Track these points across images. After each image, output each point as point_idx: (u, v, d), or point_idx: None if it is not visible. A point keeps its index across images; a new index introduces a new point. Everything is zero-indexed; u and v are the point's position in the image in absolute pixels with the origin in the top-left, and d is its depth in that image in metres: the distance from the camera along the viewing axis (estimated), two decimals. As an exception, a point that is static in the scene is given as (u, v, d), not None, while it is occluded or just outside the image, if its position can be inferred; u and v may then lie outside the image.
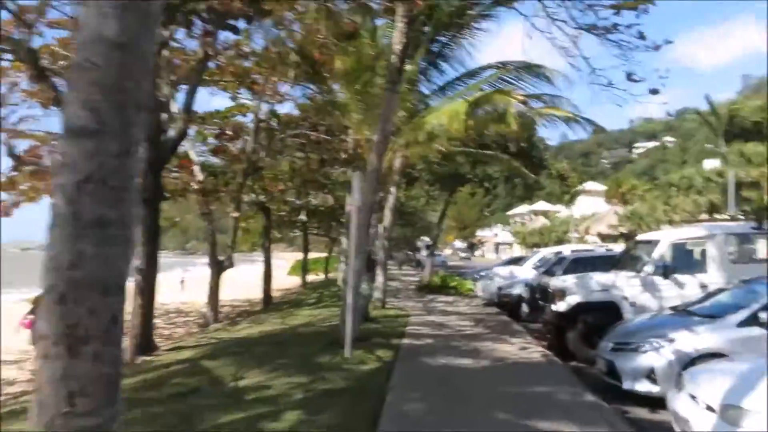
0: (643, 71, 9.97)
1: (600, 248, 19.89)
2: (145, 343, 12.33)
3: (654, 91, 10.14)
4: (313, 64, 14.79)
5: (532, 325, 13.75)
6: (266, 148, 19.12)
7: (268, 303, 24.88)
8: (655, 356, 7.31)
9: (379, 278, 17.45)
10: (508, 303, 16.53)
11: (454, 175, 24.19)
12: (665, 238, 10.47)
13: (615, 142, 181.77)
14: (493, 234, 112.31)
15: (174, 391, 8.08)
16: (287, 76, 16.35)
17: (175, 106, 13.53)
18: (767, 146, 40.36)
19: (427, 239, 46.81)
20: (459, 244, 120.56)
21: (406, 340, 11.75)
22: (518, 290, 16.25)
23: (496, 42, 16.58)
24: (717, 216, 43.47)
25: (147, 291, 12.19)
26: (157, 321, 20.08)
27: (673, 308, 8.75)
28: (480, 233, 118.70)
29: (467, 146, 16.97)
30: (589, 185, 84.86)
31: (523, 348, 10.79)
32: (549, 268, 17.51)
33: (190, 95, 11.70)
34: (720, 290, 8.82)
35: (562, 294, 10.45)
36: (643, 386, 7.36)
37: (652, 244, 11.03)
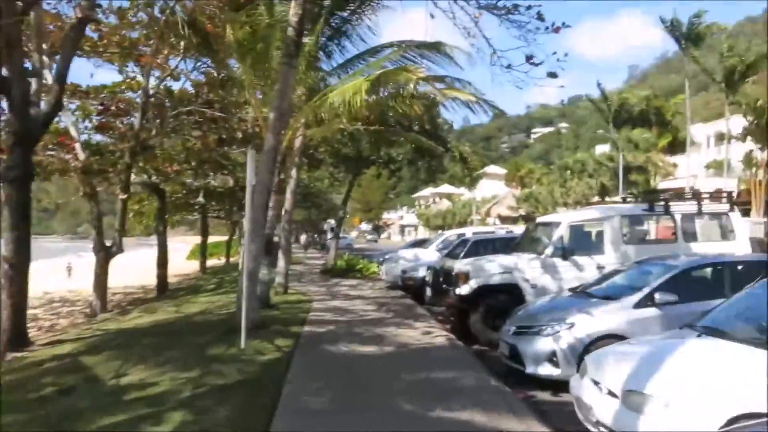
0: (543, 54, 9.96)
1: (501, 230, 20.19)
2: (17, 338, 11.08)
3: (552, 75, 10.17)
4: (205, 35, 13.84)
5: (436, 308, 13.70)
6: (158, 125, 17.85)
7: (164, 290, 23.52)
8: (556, 339, 7.26)
9: (281, 262, 16.82)
10: (412, 286, 16.42)
11: (358, 157, 23.80)
12: (564, 220, 10.57)
13: (514, 128, 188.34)
14: (399, 216, 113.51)
15: (44, 393, 7.20)
16: (177, 49, 15.26)
17: (49, 77, 12.19)
18: (653, 132, 43.09)
19: (332, 222, 46.30)
20: (365, 226, 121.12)
21: (307, 328, 11.27)
22: (422, 273, 16.14)
23: (401, 23, 16.21)
24: (608, 198, 45.92)
25: (17, 280, 10.94)
26: (36, 312, 18.52)
27: (572, 290, 8.80)
28: (386, 216, 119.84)
29: (371, 126, 16.56)
30: (490, 169, 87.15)
31: (426, 332, 10.60)
32: (452, 250, 17.54)
33: (64, 64, 10.48)
34: (615, 271, 8.96)
35: (464, 277, 10.32)
36: (546, 370, 7.30)
37: (552, 226, 11.13)
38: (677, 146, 47.19)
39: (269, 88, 11.93)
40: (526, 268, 10.31)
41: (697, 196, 11.10)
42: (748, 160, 39.38)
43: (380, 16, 13.88)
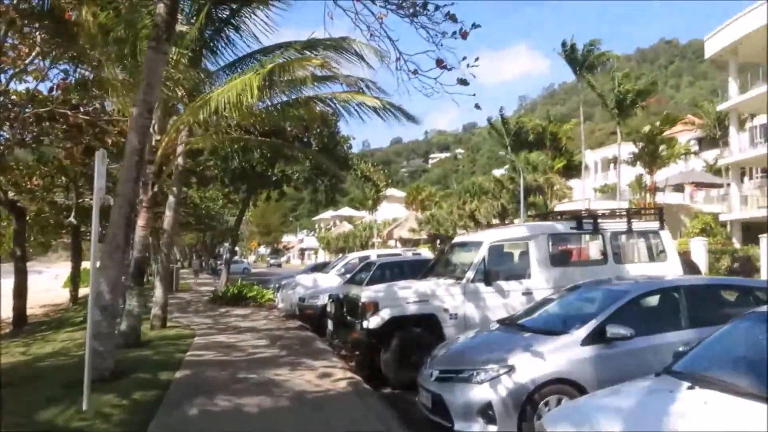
0: (452, 61, 8.70)
1: (407, 252, 18.88)
2: None
3: (463, 81, 8.97)
4: (64, 23, 11.54)
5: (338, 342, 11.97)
6: (10, 131, 15.03)
7: (21, 324, 20.27)
8: (493, 386, 5.76)
9: (158, 291, 14.47)
10: (311, 315, 14.59)
11: (251, 173, 21.73)
12: (485, 240, 9.22)
13: (412, 152, 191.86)
14: (299, 240, 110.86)
15: None
16: (30, 39, 12.81)
17: None
18: (549, 156, 43.96)
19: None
20: (263, 250, 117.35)
21: (181, 373, 9.16)
22: (322, 301, 14.37)
23: (300, 25, 14.55)
24: (507, 220, 46.23)
25: None
26: None
27: (501, 322, 7.39)
28: (285, 239, 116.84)
29: (264, 137, 14.73)
30: (390, 191, 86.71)
31: (327, 374, 8.84)
32: (355, 275, 15.92)
33: None
34: (547, 299, 7.66)
35: (373, 307, 8.69)
36: (479, 426, 5.77)
37: (471, 246, 9.80)
38: (571, 170, 48.53)
39: (137, 83, 9.86)
40: (445, 295, 8.84)
41: (627, 213, 10.14)
42: (638, 183, 40.93)
43: (276, 13, 12.16)
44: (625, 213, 10.27)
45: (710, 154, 47.91)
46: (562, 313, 7.13)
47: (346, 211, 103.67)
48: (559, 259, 9.56)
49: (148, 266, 29.40)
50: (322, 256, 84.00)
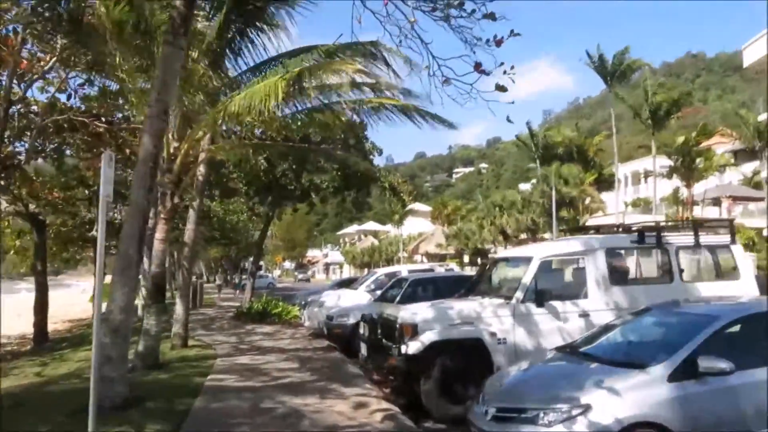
0: (487, 65, 7.91)
1: (439, 268, 17.95)
2: None
3: (501, 88, 8.13)
4: (82, 25, 10.95)
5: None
6: (30, 141, 14.53)
7: (42, 340, 19.74)
8: (568, 429, 4.82)
9: (179, 307, 13.74)
10: (340, 335, 13.70)
11: (276, 185, 21.03)
12: (536, 255, 8.27)
13: (436, 167, 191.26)
14: (323, 254, 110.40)
15: None
16: (51, 46, 12.29)
17: None
18: (579, 169, 42.77)
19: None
20: (288, 264, 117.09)
21: (200, 401, 8.34)
22: (352, 319, 13.50)
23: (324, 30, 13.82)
24: (540, 235, 44.99)
25: None
26: None
27: (561, 350, 6.44)
28: (310, 253, 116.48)
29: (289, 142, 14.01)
30: (415, 206, 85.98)
31: (361, 404, 7.94)
32: (385, 291, 15.06)
33: None
34: (612, 324, 6.69)
35: (412, 329, 7.79)
36: (549, 480, 4.82)
37: (519, 262, 8.86)
38: (602, 183, 47.17)
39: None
40: (492, 317, 7.90)
41: (694, 225, 9.10)
42: (675, 196, 39.47)
43: (300, 13, 11.42)
44: (691, 225, 9.21)
45: (747, 167, 46.21)
46: (633, 341, 6.17)
47: (370, 225, 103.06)
48: (619, 277, 8.55)
49: (169, 282, 28.88)
50: (347, 271, 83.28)
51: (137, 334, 10.97)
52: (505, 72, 8.44)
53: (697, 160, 37.16)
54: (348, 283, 23.97)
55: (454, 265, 20.90)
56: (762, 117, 32.94)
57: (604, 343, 6.19)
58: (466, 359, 7.69)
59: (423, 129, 10.56)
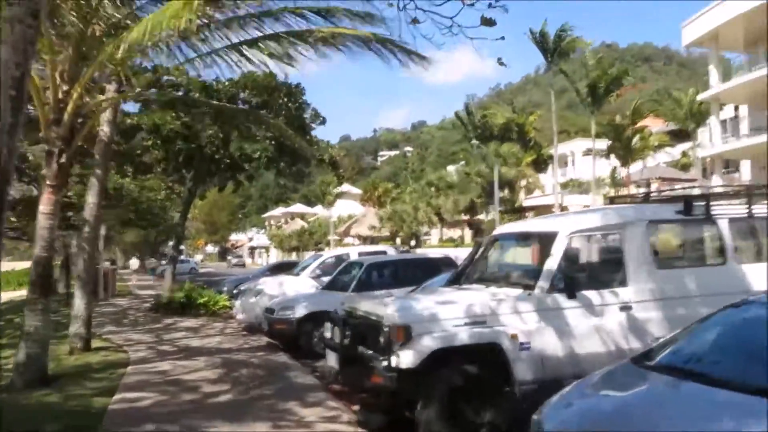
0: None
1: (392, 249, 15.87)
2: None
3: (488, 21, 6.31)
4: None
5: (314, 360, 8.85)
6: None
7: None
8: None
9: (78, 301, 10.96)
10: (283, 331, 11.34)
11: (199, 157, 18.19)
12: (563, 230, 6.24)
13: (361, 150, 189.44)
14: (248, 238, 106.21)
15: None
16: None
17: None
18: (524, 149, 41.75)
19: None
20: (211, 248, 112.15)
21: (99, 438, 5.88)
22: (298, 312, 11.18)
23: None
24: (476, 217, 43.72)
25: None
26: None
27: (638, 361, 4.43)
28: (234, 237, 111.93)
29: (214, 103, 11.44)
30: (345, 188, 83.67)
31: (330, 435, 5.74)
32: (335, 278, 12.84)
33: None
34: (698, 325, 4.74)
35: (404, 333, 5.59)
36: None
37: (534, 239, 6.84)
38: (539, 164, 46.48)
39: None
40: (511, 314, 5.81)
41: (748, 192, 7.30)
42: (613, 177, 39.10)
43: None
44: (744, 192, 7.42)
45: (680, 149, 46.71)
46: (748, 350, 4.23)
47: (297, 207, 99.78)
48: (663, 257, 6.66)
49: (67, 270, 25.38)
50: (274, 255, 80.00)
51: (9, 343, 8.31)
52: (491, 5, 6.57)
53: (634, 140, 36.74)
54: (283, 268, 21.51)
55: (386, 248, 18.75)
56: (702, 96, 32.54)
57: (711, 354, 4.22)
58: (479, 372, 5.59)
59: (391, 66, 8.24)
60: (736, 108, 33.67)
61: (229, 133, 17.45)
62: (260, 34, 8.86)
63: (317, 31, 8.68)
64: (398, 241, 48.09)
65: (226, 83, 16.89)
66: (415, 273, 12.03)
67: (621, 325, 6.02)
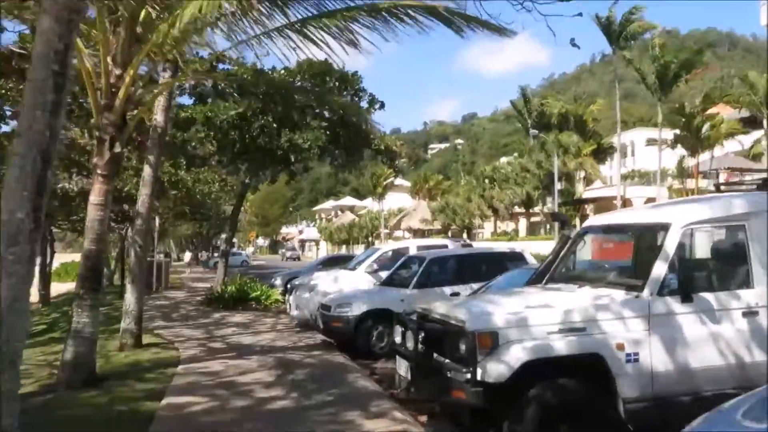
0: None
1: (452, 243, 15.02)
2: None
3: None
4: None
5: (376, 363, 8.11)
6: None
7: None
8: None
9: (129, 296, 10.56)
10: (340, 330, 10.66)
11: (252, 149, 17.71)
12: (677, 220, 5.28)
13: (411, 143, 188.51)
14: (298, 230, 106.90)
15: None
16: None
17: None
18: (583, 139, 39.98)
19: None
20: (262, 241, 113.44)
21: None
22: (356, 309, 10.47)
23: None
24: (533, 210, 42.29)
25: None
26: None
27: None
28: (284, 230, 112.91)
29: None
30: (395, 180, 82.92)
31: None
32: (393, 273, 12.09)
33: None
34: None
35: (491, 340, 4.78)
36: None
37: (637, 231, 5.91)
38: (599, 154, 44.52)
39: None
40: (614, 321, 4.93)
41: None
42: (680, 168, 37.08)
43: None
44: None
45: (750, 138, 43.96)
46: None
47: (348, 200, 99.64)
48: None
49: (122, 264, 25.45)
50: (324, 248, 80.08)
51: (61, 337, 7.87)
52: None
53: (704, 128, 34.60)
54: (337, 262, 20.94)
55: (445, 241, 17.82)
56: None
57: None
58: (578, 389, 4.74)
59: (466, 37, 7.36)
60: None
61: (283, 122, 16.86)
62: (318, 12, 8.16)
63: (379, 5, 7.90)
64: (449, 234, 47.11)
65: (282, 71, 16.35)
66: (480, 269, 11.22)
67: (743, 333, 5.05)
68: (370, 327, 10.34)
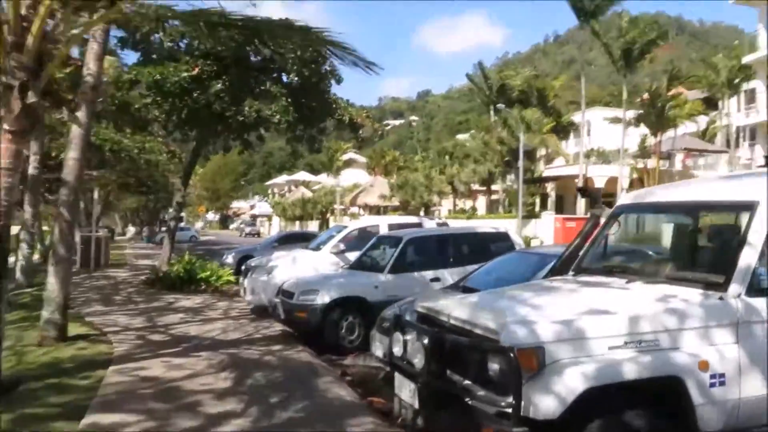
0: None
1: (429, 221, 13.71)
2: None
3: None
4: None
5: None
6: None
7: None
8: None
9: (51, 280, 8.85)
10: (304, 321, 9.24)
11: (205, 115, 15.89)
12: (763, 197, 4.06)
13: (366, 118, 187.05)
14: (250, 206, 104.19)
15: None
16: None
17: None
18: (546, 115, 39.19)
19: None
20: (212, 215, 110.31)
21: None
22: (324, 297, 9.06)
23: None
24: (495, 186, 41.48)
25: None
26: None
27: None
28: (235, 204, 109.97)
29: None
30: (349, 155, 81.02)
31: None
32: (365, 255, 10.74)
33: None
34: None
35: (537, 360, 3.46)
36: None
37: (685, 212, 4.69)
38: (558, 132, 43.89)
39: None
40: (694, 331, 3.69)
41: None
42: (643, 147, 36.75)
43: None
44: None
45: (706, 119, 44.17)
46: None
47: (302, 175, 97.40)
48: None
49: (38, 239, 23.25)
50: (276, 224, 77.95)
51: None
52: None
53: (668, 108, 34.22)
54: (295, 240, 19.50)
55: (407, 218, 16.49)
56: (748, 58, 30.06)
57: None
58: (651, 423, 3.49)
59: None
60: None
61: (241, 86, 15.08)
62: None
63: None
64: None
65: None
66: (463, 251, 9.98)
67: None
68: (340, 317, 8.97)
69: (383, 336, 6.93)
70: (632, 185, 37.17)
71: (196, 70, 15.05)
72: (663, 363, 3.56)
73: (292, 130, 16.64)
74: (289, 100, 15.76)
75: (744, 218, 4.07)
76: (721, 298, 3.81)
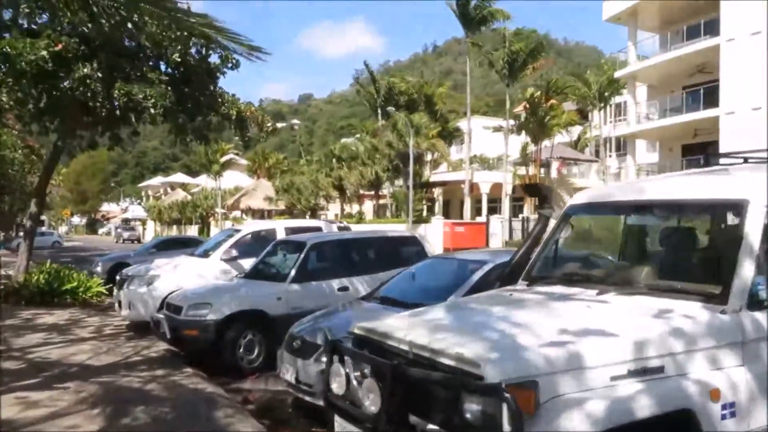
0: None
1: (328, 225, 12.76)
2: None
3: None
4: None
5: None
6: None
7: None
8: None
9: None
10: (194, 338, 7.98)
11: (68, 103, 13.89)
12: (755, 197, 3.57)
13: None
14: (121, 209, 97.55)
15: None
16: None
17: None
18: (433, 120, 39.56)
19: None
20: (78, 219, 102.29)
21: None
22: (220, 311, 7.87)
23: None
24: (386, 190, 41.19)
25: None
26: None
27: None
28: (105, 207, 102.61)
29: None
30: (229, 157, 78.02)
31: None
32: (262, 262, 9.65)
33: None
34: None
35: (533, 399, 2.70)
36: None
37: (668, 212, 4.17)
38: (445, 137, 44.50)
39: None
40: (702, 353, 3.10)
41: None
42: (524, 154, 38.03)
43: None
44: None
45: (578, 129, 46.72)
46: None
47: (178, 177, 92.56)
48: None
49: None
50: (152, 229, 73.31)
51: None
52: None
53: (547, 117, 35.63)
54: (174, 245, 17.86)
55: (283, 222, 15.44)
56: (619, 73, 31.93)
57: None
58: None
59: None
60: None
61: (114, 74, 13.32)
62: None
63: None
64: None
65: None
66: (372, 257, 9.21)
67: None
68: (237, 335, 7.83)
69: (293, 357, 5.98)
70: (514, 191, 38.43)
71: (60, 46, 13.11)
72: (674, 394, 2.93)
73: (174, 118, 14.96)
74: (169, 88, 14.21)
75: (736, 221, 3.56)
76: (723, 312, 3.26)
